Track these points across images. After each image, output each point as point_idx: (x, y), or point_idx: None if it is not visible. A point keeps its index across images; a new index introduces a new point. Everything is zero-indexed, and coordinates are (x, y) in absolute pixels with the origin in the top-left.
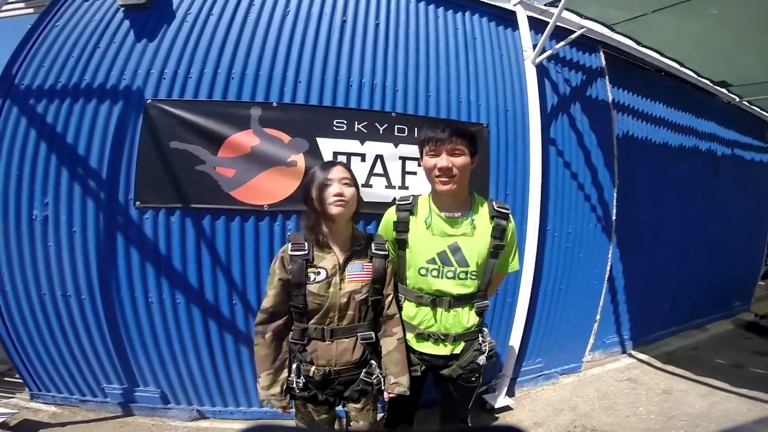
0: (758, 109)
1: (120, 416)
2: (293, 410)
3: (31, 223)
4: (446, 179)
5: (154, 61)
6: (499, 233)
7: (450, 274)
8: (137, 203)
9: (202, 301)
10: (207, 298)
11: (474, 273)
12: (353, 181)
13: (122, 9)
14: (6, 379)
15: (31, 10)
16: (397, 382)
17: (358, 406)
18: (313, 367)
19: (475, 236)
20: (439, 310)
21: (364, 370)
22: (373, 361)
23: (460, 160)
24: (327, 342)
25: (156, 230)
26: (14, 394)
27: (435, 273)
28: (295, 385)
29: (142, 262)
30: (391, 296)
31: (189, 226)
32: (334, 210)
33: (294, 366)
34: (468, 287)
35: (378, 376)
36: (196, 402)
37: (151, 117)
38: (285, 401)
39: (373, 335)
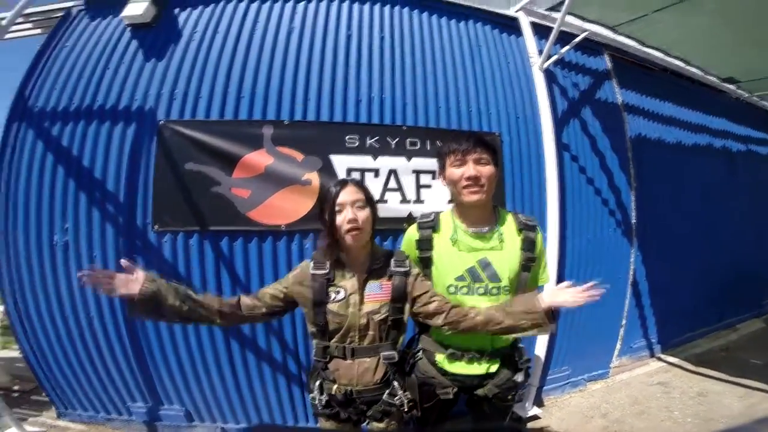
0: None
1: None
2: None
3: (52, 248)
4: (476, 188)
5: (164, 81)
6: (529, 246)
7: (481, 291)
8: (155, 227)
9: None
10: None
11: (507, 288)
12: (368, 201)
13: (129, 28)
14: (33, 397)
15: (39, 31)
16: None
17: (382, 425)
18: (335, 386)
19: (505, 250)
20: None
21: (387, 391)
22: (396, 383)
23: (487, 169)
24: (348, 361)
25: (175, 254)
26: (41, 412)
27: (465, 290)
28: (318, 402)
29: None
30: (435, 303)
31: (207, 248)
32: (348, 240)
33: (317, 383)
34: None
35: (401, 398)
36: (220, 420)
37: (165, 138)
38: (132, 305)
39: (396, 355)
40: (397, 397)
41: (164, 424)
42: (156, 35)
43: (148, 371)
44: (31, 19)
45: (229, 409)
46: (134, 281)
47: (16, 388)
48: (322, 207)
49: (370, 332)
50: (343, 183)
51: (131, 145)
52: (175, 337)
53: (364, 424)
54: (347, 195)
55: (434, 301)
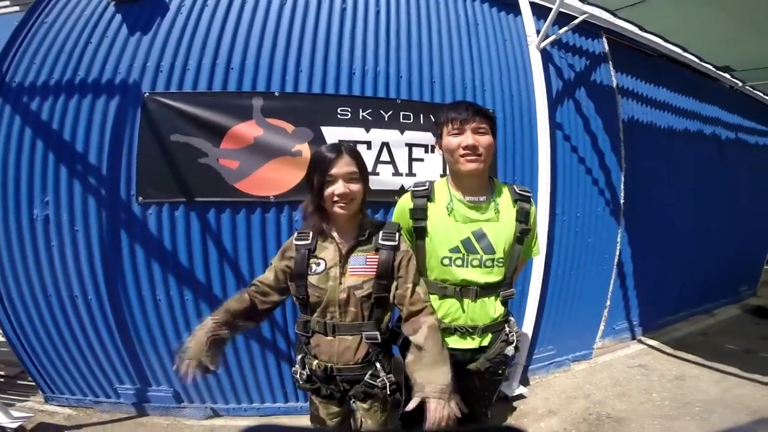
0: (761, 94)
1: (135, 416)
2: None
3: (32, 223)
4: (473, 157)
5: (149, 54)
6: (524, 217)
7: (476, 263)
8: (140, 199)
9: (211, 296)
10: (215, 293)
11: (501, 260)
12: (361, 174)
13: (113, 3)
14: (19, 382)
15: (17, 8)
16: (430, 379)
17: (365, 405)
18: (315, 361)
19: (501, 221)
20: (466, 300)
21: (370, 372)
22: (378, 364)
23: (486, 139)
24: (329, 337)
25: (160, 226)
26: (28, 397)
27: (459, 262)
28: (298, 376)
29: (147, 259)
30: (410, 291)
31: (194, 220)
32: (337, 211)
33: (299, 357)
34: (495, 275)
35: (384, 380)
36: (209, 400)
37: (150, 110)
38: (187, 363)
39: (379, 336)
40: (379, 379)
41: (153, 405)
42: (141, 8)
43: (135, 352)
44: None
45: (218, 389)
46: (208, 352)
47: (1, 373)
48: (312, 172)
49: (351, 308)
50: (338, 152)
51: (114, 117)
52: (161, 316)
53: (351, 402)
54: (341, 167)
55: (407, 293)
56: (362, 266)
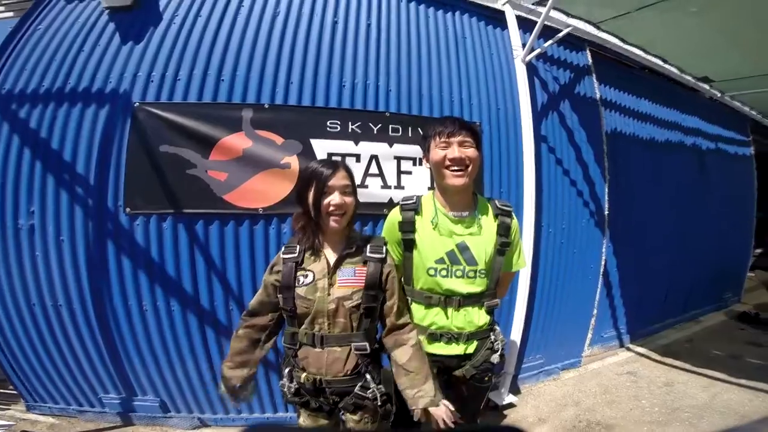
0: (739, 104)
1: (120, 426)
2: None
3: (17, 232)
4: (459, 171)
5: (141, 64)
6: (504, 230)
7: (459, 273)
8: (127, 210)
9: (198, 307)
10: (203, 305)
11: (483, 271)
12: (354, 188)
13: (107, 11)
14: (0, 390)
15: (11, 14)
16: (420, 391)
17: (356, 417)
18: (304, 374)
19: (483, 235)
20: (450, 309)
21: (360, 383)
22: (368, 375)
23: (471, 152)
24: (317, 349)
25: (147, 237)
26: (9, 405)
27: (444, 272)
28: (286, 389)
29: (134, 270)
30: (396, 305)
31: (182, 231)
32: (331, 223)
33: (287, 370)
34: (477, 286)
35: (374, 391)
36: (196, 410)
37: (139, 120)
38: (235, 398)
39: (368, 346)
40: (369, 390)
41: (139, 415)
42: (135, 18)
43: (121, 361)
44: (3, 2)
45: (205, 398)
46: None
47: None
48: (305, 186)
49: (341, 319)
50: (335, 166)
51: (103, 127)
52: (147, 325)
53: (341, 414)
54: (338, 180)
55: (394, 308)
56: (351, 277)
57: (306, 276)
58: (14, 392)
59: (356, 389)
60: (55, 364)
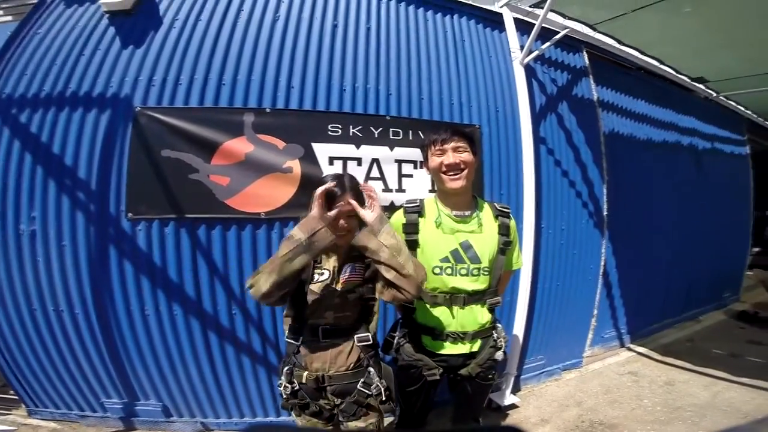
0: (734, 104)
1: (122, 431)
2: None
3: (18, 237)
4: (456, 175)
5: (141, 68)
6: (505, 230)
7: (463, 271)
8: (129, 215)
9: (201, 312)
10: (205, 309)
11: (486, 269)
12: (361, 204)
13: (107, 15)
14: (1, 395)
15: (9, 18)
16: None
17: (362, 424)
18: (306, 373)
19: (484, 233)
20: (455, 308)
21: (362, 379)
22: (371, 369)
23: (465, 156)
24: (321, 342)
25: (150, 242)
26: (11, 410)
27: (449, 271)
28: (282, 389)
29: (136, 275)
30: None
31: (184, 236)
32: (338, 242)
33: (285, 369)
34: (481, 283)
35: (378, 385)
36: (199, 414)
37: (141, 125)
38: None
39: (371, 337)
40: (373, 386)
41: (141, 419)
42: (135, 22)
43: (123, 366)
44: (2, 6)
45: (208, 402)
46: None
47: None
48: (313, 201)
49: (346, 312)
50: (343, 189)
51: (105, 132)
52: (150, 329)
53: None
54: (345, 205)
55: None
56: (353, 273)
57: (322, 274)
58: (15, 397)
59: (359, 386)
60: (56, 369)
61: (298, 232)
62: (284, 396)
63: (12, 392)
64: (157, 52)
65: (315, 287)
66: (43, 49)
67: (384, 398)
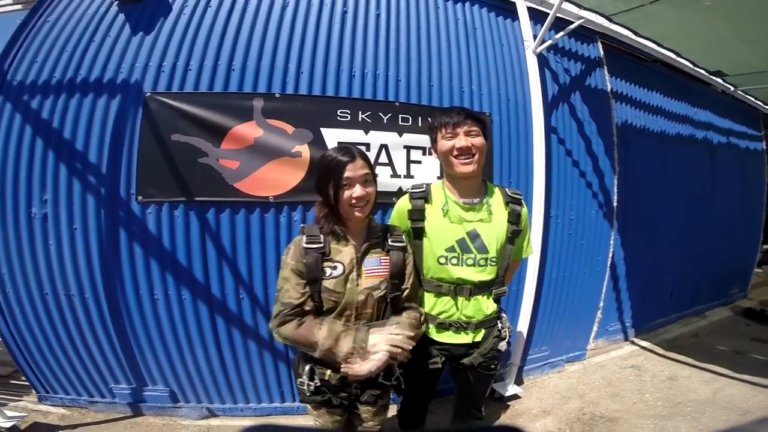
0: (753, 99)
1: (130, 416)
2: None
3: (30, 221)
4: (467, 159)
5: (151, 54)
6: (515, 218)
7: (470, 262)
8: (139, 198)
9: (209, 296)
10: (213, 293)
11: (494, 259)
12: (373, 174)
13: (116, 2)
14: (12, 381)
15: (19, 7)
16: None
17: (373, 409)
18: (329, 371)
19: (493, 222)
20: (460, 298)
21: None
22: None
23: (478, 140)
24: None
25: (159, 225)
26: (21, 396)
27: (455, 261)
28: (306, 388)
29: (146, 258)
30: (408, 291)
31: (193, 219)
32: (356, 214)
33: (307, 367)
34: (488, 274)
35: (398, 376)
36: (206, 400)
37: (151, 110)
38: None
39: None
40: (394, 377)
41: (149, 405)
42: (144, 8)
43: (132, 351)
44: None
45: (214, 388)
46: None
47: None
48: (324, 176)
49: (368, 310)
50: (351, 155)
51: (115, 117)
52: (159, 316)
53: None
54: (356, 170)
55: (406, 290)
56: (377, 267)
57: (335, 268)
58: (26, 383)
59: (380, 378)
60: (66, 354)
61: (321, 340)
62: (307, 393)
63: (23, 378)
64: (167, 38)
65: (329, 284)
66: (54, 36)
67: (403, 386)
